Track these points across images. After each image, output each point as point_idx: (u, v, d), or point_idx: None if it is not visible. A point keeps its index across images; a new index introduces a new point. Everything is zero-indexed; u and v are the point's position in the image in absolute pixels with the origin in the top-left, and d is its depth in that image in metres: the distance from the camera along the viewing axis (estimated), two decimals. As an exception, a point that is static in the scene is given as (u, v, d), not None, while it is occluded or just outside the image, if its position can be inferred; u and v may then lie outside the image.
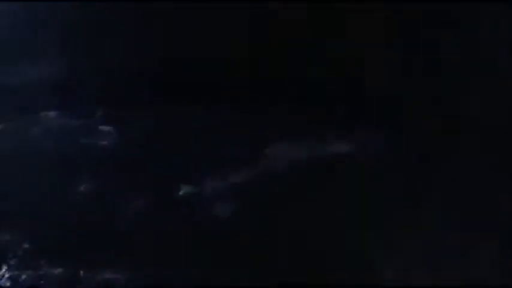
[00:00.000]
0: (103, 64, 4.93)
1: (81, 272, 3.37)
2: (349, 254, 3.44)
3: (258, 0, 4.75)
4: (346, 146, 4.29)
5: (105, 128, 4.62)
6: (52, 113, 4.80)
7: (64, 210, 3.86)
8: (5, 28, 5.04)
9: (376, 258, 3.42)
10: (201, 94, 4.80)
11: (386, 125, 4.42)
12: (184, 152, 4.34)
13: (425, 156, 4.16)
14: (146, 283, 3.33)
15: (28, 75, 4.93)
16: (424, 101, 4.48)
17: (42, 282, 3.34)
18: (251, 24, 4.83)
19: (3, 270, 3.40)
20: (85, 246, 3.60)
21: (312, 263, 3.40)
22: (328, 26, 4.71)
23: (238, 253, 3.47)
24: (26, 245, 3.56)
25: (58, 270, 3.39)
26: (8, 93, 4.85)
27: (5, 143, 4.50)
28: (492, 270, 3.28)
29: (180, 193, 3.93)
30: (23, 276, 3.37)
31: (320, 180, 4.00)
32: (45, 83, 4.88)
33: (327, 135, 4.35)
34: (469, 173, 3.91)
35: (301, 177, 4.04)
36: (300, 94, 4.68)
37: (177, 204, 3.87)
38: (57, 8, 4.92)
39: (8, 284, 3.32)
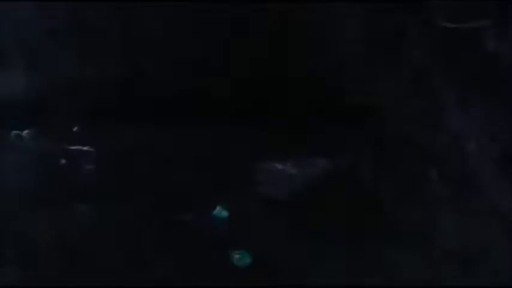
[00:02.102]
0: (77, 77, 4.59)
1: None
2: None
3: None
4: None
5: (83, 148, 4.30)
6: (24, 133, 4.45)
7: (50, 249, 3.51)
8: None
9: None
10: (183, 107, 4.52)
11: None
12: (175, 174, 4.08)
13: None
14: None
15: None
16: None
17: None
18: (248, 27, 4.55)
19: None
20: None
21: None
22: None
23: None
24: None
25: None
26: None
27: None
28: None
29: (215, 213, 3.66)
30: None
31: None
32: (15, 98, 4.51)
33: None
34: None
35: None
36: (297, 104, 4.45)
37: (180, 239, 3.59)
38: (27, 16, 4.53)
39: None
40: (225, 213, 3.67)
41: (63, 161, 4.22)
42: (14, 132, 4.44)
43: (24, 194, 3.92)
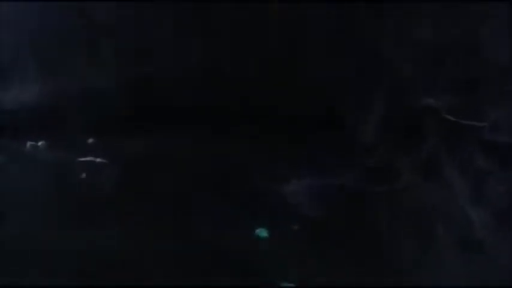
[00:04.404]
0: (88, 88, 4.63)
1: None
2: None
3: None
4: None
5: (97, 160, 4.34)
6: (39, 144, 4.49)
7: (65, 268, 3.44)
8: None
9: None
10: (193, 116, 4.57)
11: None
12: (194, 187, 4.09)
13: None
14: None
15: (8, 100, 4.60)
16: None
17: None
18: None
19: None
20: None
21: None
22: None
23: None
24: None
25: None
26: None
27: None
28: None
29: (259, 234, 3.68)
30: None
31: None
32: (28, 109, 4.56)
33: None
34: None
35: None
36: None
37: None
38: (37, 28, 4.58)
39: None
40: (265, 233, 3.67)
41: (77, 171, 4.25)
42: (30, 143, 4.48)
43: (41, 204, 3.97)
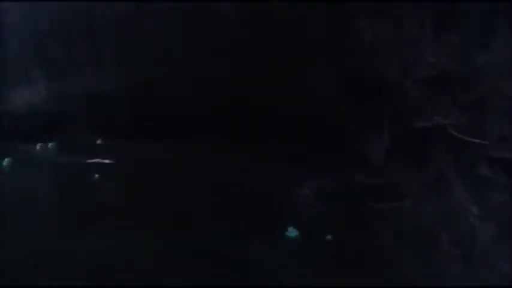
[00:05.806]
0: (94, 91, 4.68)
1: None
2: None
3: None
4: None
5: (105, 161, 4.40)
6: (48, 145, 4.57)
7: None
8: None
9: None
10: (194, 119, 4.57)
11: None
12: (200, 193, 4.07)
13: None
14: None
15: (16, 103, 4.70)
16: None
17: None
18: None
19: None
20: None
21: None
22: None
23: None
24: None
25: None
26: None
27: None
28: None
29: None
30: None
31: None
32: (36, 111, 4.63)
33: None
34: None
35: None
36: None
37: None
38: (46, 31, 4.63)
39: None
40: (296, 233, 3.64)
41: (84, 172, 4.29)
42: (40, 144, 4.56)
43: (52, 204, 3.99)
